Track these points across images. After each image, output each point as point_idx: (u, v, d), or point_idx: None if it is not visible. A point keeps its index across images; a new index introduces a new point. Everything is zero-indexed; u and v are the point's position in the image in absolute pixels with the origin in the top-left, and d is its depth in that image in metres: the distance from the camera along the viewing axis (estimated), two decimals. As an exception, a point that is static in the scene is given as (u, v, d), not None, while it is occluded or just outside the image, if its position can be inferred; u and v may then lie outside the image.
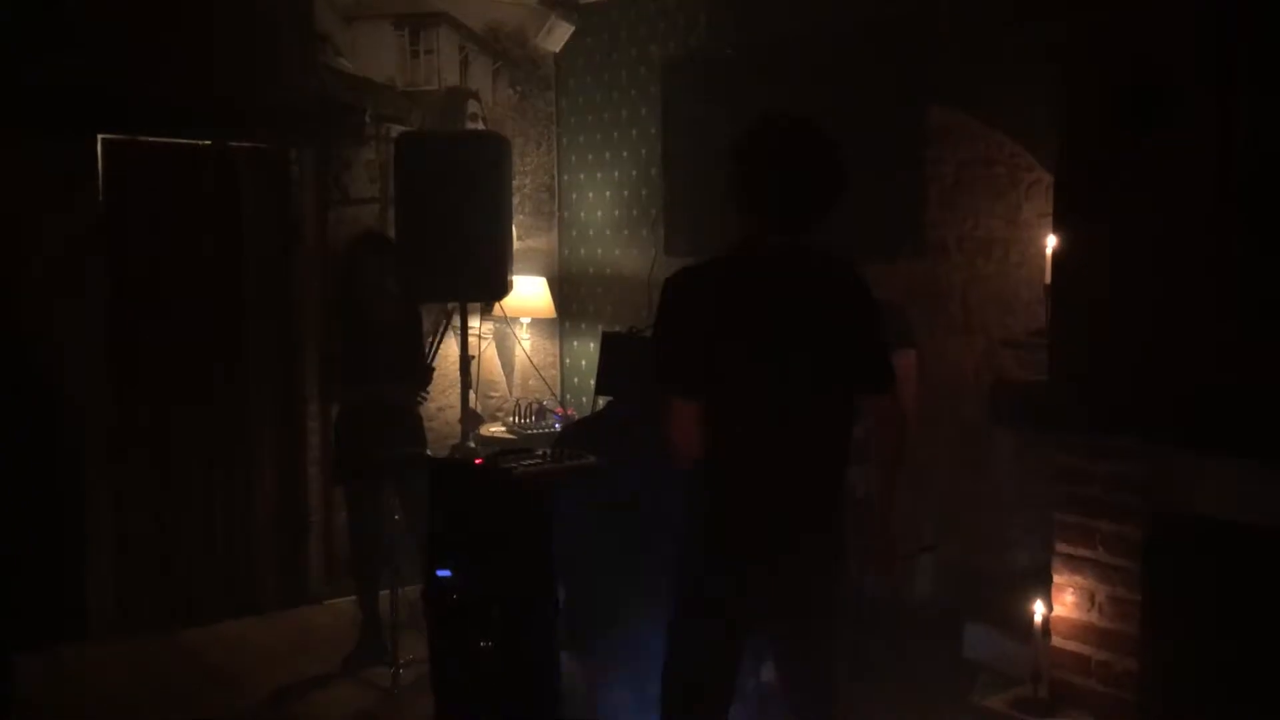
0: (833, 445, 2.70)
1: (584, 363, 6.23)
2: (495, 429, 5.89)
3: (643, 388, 4.31)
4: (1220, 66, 3.00)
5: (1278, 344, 2.94)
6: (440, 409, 5.78)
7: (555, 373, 6.40)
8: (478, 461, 3.53)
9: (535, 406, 5.90)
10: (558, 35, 6.08)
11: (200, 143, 5.22)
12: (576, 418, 5.75)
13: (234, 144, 5.30)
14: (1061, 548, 3.61)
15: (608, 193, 6.06)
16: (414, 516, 4.43)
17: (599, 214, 6.12)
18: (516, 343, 6.22)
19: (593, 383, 5.08)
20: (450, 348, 5.70)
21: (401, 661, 4.42)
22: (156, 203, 5.16)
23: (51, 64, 4.67)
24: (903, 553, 4.33)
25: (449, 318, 5.47)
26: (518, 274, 5.53)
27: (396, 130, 5.54)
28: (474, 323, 5.82)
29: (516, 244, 5.78)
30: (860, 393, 2.72)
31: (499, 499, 3.31)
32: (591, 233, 6.18)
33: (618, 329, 5.17)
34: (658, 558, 3.72)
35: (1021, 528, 4.04)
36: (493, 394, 6.27)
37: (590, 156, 6.16)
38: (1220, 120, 3.00)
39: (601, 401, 4.74)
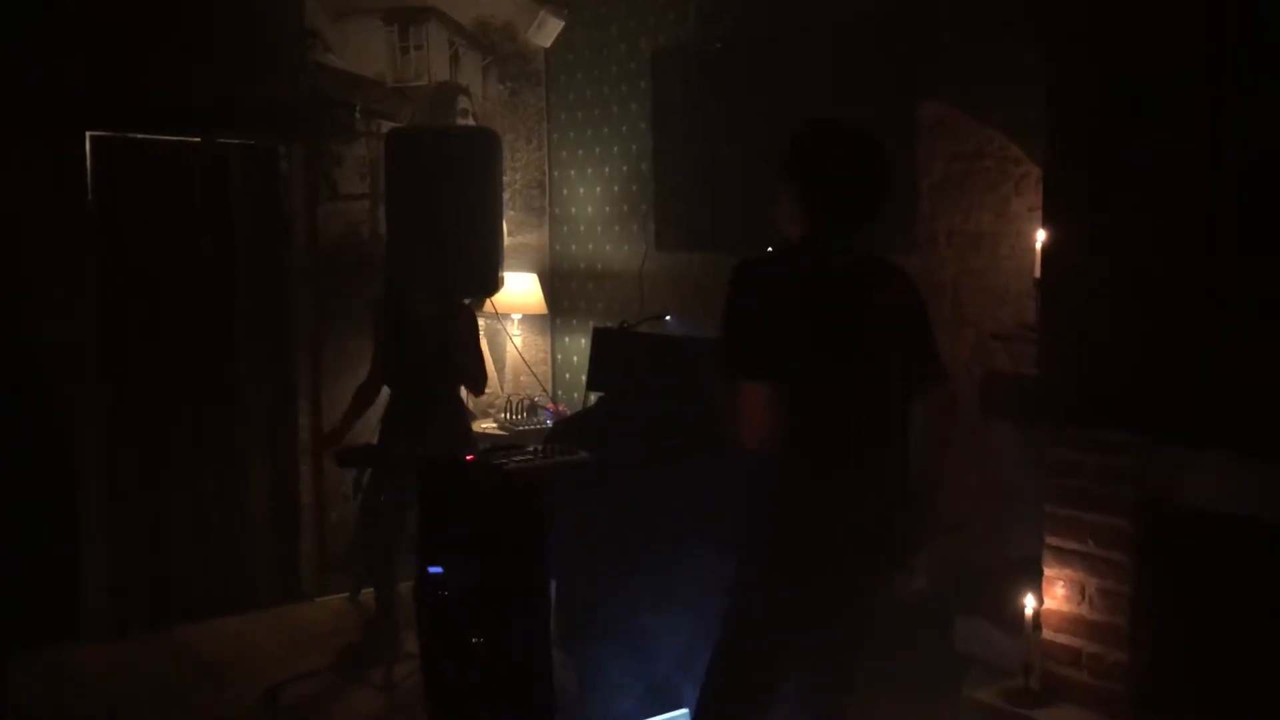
0: (897, 440, 2.77)
1: (575, 359, 6.22)
2: (487, 425, 5.89)
3: (634, 383, 4.33)
4: (1210, 60, 3.01)
5: (1266, 337, 2.95)
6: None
7: (546, 369, 6.40)
8: (469, 458, 3.52)
9: (527, 403, 5.90)
10: (548, 30, 6.07)
11: (190, 140, 5.21)
12: (568, 414, 5.75)
13: (224, 141, 5.29)
14: (1052, 541, 3.61)
15: (598, 188, 6.06)
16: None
17: (590, 209, 6.12)
18: (508, 339, 6.22)
19: (584, 379, 5.08)
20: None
21: (395, 658, 4.42)
22: (146, 200, 5.14)
23: (40, 62, 4.65)
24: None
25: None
26: (509, 270, 5.53)
27: (387, 126, 5.53)
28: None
29: (507, 240, 5.78)
30: (921, 386, 2.80)
31: (490, 495, 3.31)
32: (582, 228, 6.17)
33: (609, 324, 5.17)
34: (652, 553, 3.74)
35: (1015, 520, 4.05)
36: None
37: (581, 152, 6.16)
38: (1210, 114, 3.01)
39: (593, 397, 4.74)
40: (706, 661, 2.83)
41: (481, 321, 6.12)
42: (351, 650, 4.66)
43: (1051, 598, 3.62)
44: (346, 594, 5.45)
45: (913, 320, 2.83)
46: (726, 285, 2.70)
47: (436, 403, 4.73)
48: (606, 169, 6.00)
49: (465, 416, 4.91)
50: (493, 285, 4.98)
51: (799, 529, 2.68)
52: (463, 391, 4.96)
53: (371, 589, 4.70)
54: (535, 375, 6.25)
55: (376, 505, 4.68)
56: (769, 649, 2.76)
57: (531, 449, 3.50)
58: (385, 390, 4.87)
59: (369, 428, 4.92)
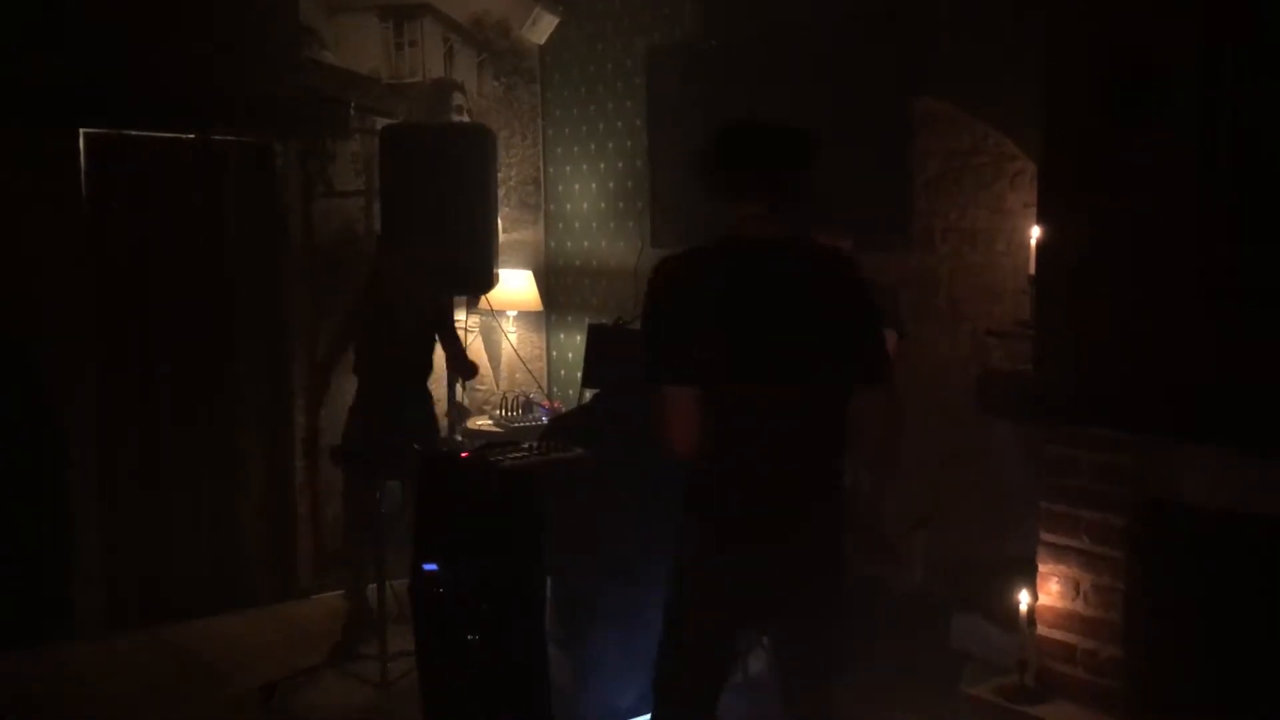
0: (828, 435, 2.67)
1: (571, 355, 6.22)
2: (482, 422, 5.89)
3: (630, 379, 4.32)
4: (1206, 57, 3.01)
5: (1261, 333, 2.95)
6: (427, 402, 5.78)
7: (542, 366, 6.40)
8: (464, 455, 3.52)
9: (522, 399, 5.89)
10: (542, 26, 6.06)
11: (184, 137, 5.20)
12: (563, 410, 5.75)
13: (218, 137, 5.28)
14: (1047, 537, 3.62)
15: (594, 185, 6.05)
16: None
17: (585, 206, 6.11)
18: (503, 336, 6.21)
19: (579, 375, 5.08)
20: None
21: (391, 655, 4.42)
22: (141, 197, 5.13)
23: (35, 59, 4.64)
24: (895, 534, 4.36)
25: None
26: (504, 267, 5.53)
27: (381, 123, 5.52)
28: (460, 316, 5.81)
29: (502, 236, 5.78)
30: (852, 383, 2.67)
31: (485, 492, 3.31)
32: (578, 225, 6.17)
33: (604, 321, 5.16)
34: (647, 549, 3.74)
35: (1012, 516, 4.06)
36: (479, 387, 6.26)
37: (576, 148, 6.15)
38: (1205, 110, 3.01)
39: (588, 394, 4.74)
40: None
41: (477, 318, 6.14)
42: (337, 648, 4.66)
43: (1047, 594, 3.62)
44: (343, 591, 5.44)
45: (850, 314, 2.67)
46: (647, 282, 2.64)
47: (406, 394, 4.73)
48: (602, 166, 6.00)
49: (432, 405, 4.92)
50: (488, 282, 4.98)
51: (713, 537, 2.65)
52: (458, 387, 4.96)
53: (372, 585, 4.69)
54: (530, 372, 6.25)
55: (361, 502, 4.70)
56: (699, 645, 2.75)
57: (527, 446, 3.50)
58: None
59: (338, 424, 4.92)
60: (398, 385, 4.74)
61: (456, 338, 4.93)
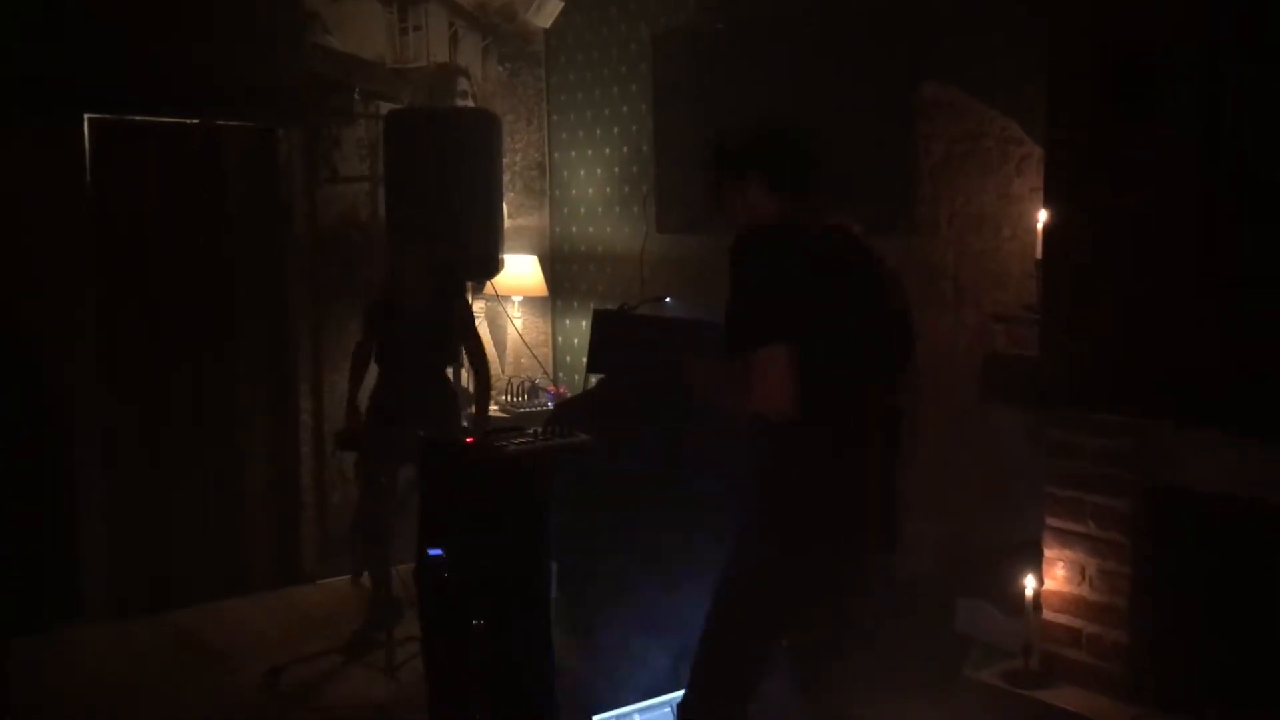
0: (895, 414, 2.81)
1: (576, 341, 6.22)
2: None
3: (635, 365, 4.32)
4: (1207, 42, 3.00)
5: (1263, 318, 2.95)
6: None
7: (547, 351, 6.40)
8: (469, 440, 3.52)
9: (527, 385, 5.90)
10: (548, 11, 6.04)
11: (188, 122, 5.19)
12: (569, 396, 5.75)
13: (222, 123, 5.27)
14: (1052, 522, 3.62)
15: (599, 170, 6.04)
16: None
17: (590, 191, 6.10)
18: (508, 321, 6.21)
19: (585, 361, 5.08)
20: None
21: (396, 641, 4.43)
22: (145, 183, 5.13)
23: (39, 45, 4.64)
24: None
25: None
26: (509, 252, 5.53)
27: (386, 108, 5.52)
28: (466, 301, 5.81)
29: (507, 222, 5.77)
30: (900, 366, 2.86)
31: (490, 478, 3.31)
32: (583, 210, 6.16)
33: (610, 307, 5.16)
34: (651, 534, 3.74)
35: (1016, 502, 4.05)
36: (485, 373, 6.26)
37: (581, 133, 6.14)
38: (1208, 96, 3.00)
39: (593, 379, 4.73)
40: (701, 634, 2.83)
41: (482, 304, 6.13)
42: (356, 637, 4.65)
43: (1052, 579, 3.62)
44: (348, 576, 5.46)
45: (899, 295, 2.89)
46: (731, 258, 2.70)
47: (428, 385, 4.73)
48: (607, 151, 5.99)
49: (457, 399, 4.91)
50: (493, 267, 4.97)
51: (817, 500, 2.68)
52: (465, 376, 4.96)
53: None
54: (536, 357, 6.25)
55: (374, 488, 4.69)
56: (773, 618, 2.76)
57: (532, 431, 3.50)
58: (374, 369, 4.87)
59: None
60: (417, 375, 4.72)
61: (478, 341, 4.92)
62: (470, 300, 4.98)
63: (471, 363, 4.93)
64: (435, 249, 4.72)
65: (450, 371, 4.88)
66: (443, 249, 4.72)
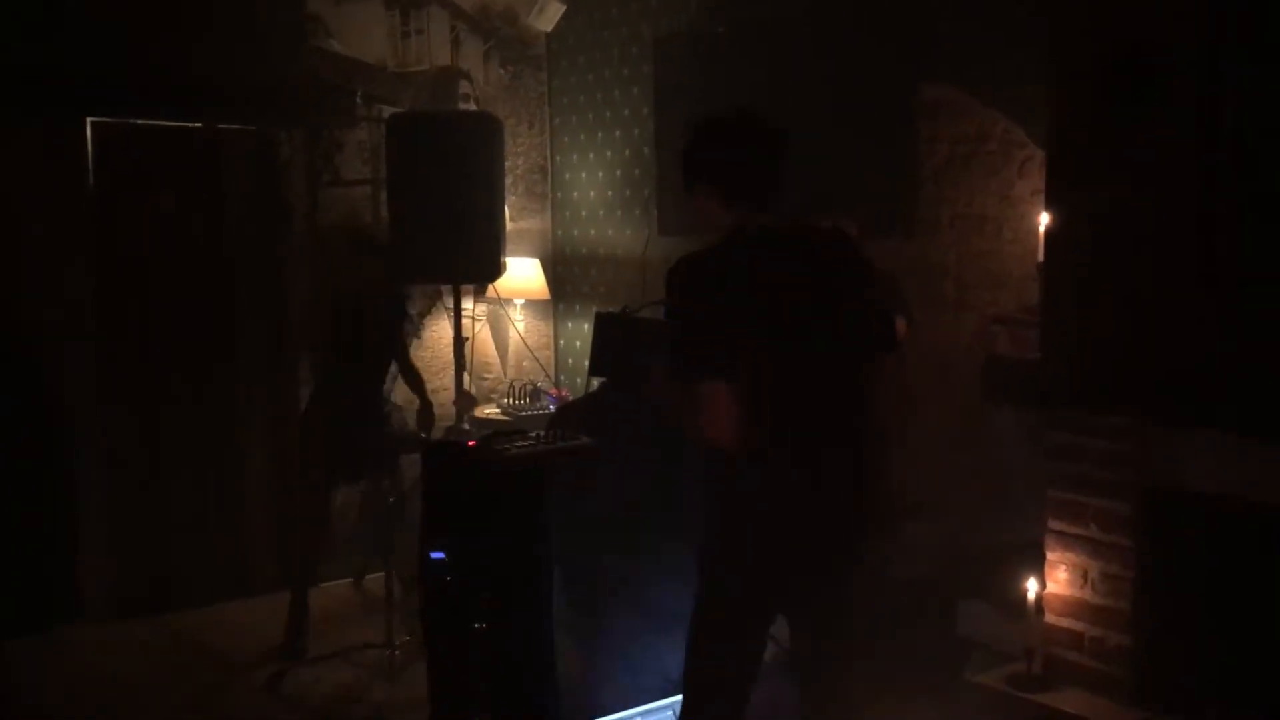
0: (854, 415, 2.76)
1: (578, 343, 6.22)
2: (490, 411, 5.89)
3: (637, 368, 4.32)
4: (1207, 41, 2.99)
5: (1265, 318, 2.94)
6: (434, 391, 5.77)
7: (549, 354, 6.40)
8: (471, 443, 3.52)
9: (529, 388, 5.90)
10: (549, 14, 6.04)
11: (190, 125, 5.20)
12: (571, 399, 5.75)
13: (224, 126, 5.28)
14: (1054, 524, 3.61)
15: (600, 173, 6.04)
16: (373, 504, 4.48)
17: (592, 194, 6.10)
18: (510, 324, 6.21)
19: (587, 364, 5.08)
20: (444, 330, 5.68)
21: (396, 643, 4.43)
22: (146, 185, 5.14)
23: (41, 48, 4.64)
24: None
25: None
26: (511, 255, 5.52)
27: (388, 111, 5.52)
28: (467, 304, 5.81)
29: (509, 225, 5.77)
30: (870, 354, 2.81)
31: (492, 481, 3.31)
32: (585, 213, 6.16)
33: (612, 310, 5.16)
34: (653, 537, 3.74)
35: (1018, 504, 4.05)
36: (487, 376, 6.27)
37: (583, 136, 6.14)
38: (1208, 95, 3.00)
39: (596, 382, 4.73)
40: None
41: (484, 307, 6.13)
42: (282, 647, 4.66)
43: (1054, 582, 3.61)
44: (349, 580, 5.46)
45: (860, 287, 2.78)
46: (666, 286, 2.69)
47: (365, 407, 4.77)
48: (609, 154, 5.99)
49: (380, 409, 4.95)
50: (495, 271, 4.97)
51: (756, 521, 2.67)
52: (465, 375, 4.98)
53: (378, 573, 4.70)
54: (538, 360, 6.25)
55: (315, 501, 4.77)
56: (731, 630, 2.76)
57: (534, 435, 3.50)
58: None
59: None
60: (348, 389, 4.76)
61: (401, 349, 4.96)
62: (403, 310, 5.01)
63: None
64: (375, 253, 4.77)
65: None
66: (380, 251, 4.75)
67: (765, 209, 2.72)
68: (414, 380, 4.98)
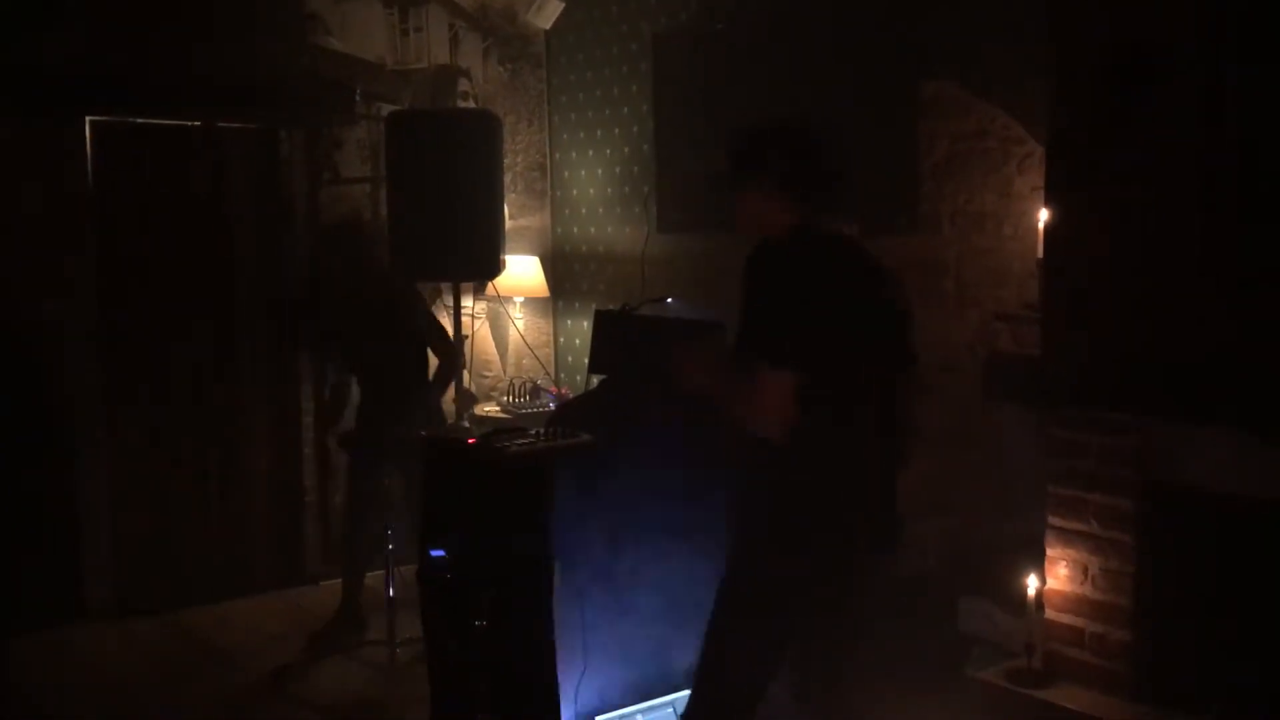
0: (897, 420, 2.83)
1: (578, 341, 6.22)
2: (489, 409, 5.89)
3: (637, 365, 4.32)
4: (1208, 40, 2.99)
5: (1266, 316, 2.94)
6: (434, 389, 5.78)
7: (549, 351, 6.40)
8: (471, 441, 3.52)
9: (529, 386, 5.89)
10: (548, 11, 6.04)
11: (189, 123, 5.20)
12: (571, 396, 5.75)
13: (223, 124, 5.28)
14: (1055, 521, 3.62)
15: (600, 170, 6.04)
16: (412, 496, 4.44)
17: (591, 191, 6.10)
18: (510, 322, 6.21)
19: (586, 361, 5.07)
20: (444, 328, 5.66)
21: (398, 641, 4.43)
22: (146, 184, 5.14)
23: (40, 45, 4.64)
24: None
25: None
26: (510, 253, 5.52)
27: (387, 109, 5.52)
28: (467, 302, 5.81)
29: (509, 223, 5.77)
30: (913, 355, 2.89)
31: (492, 478, 3.31)
32: (584, 210, 6.16)
33: (611, 307, 5.15)
34: (654, 534, 3.74)
35: (1019, 500, 4.05)
36: (486, 374, 6.27)
37: (582, 134, 6.14)
38: (1209, 89, 3.00)
39: (595, 380, 4.73)
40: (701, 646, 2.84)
41: (484, 305, 6.13)
42: (316, 637, 4.66)
43: (1054, 578, 3.62)
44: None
45: (905, 302, 2.89)
46: (748, 269, 2.70)
47: (410, 394, 4.72)
48: (608, 151, 5.99)
49: (438, 405, 4.90)
50: (494, 268, 4.97)
51: (817, 505, 2.70)
52: (465, 373, 4.96)
53: (378, 572, 4.70)
54: (538, 358, 6.24)
55: (365, 491, 4.70)
56: (777, 623, 2.77)
57: (534, 432, 3.50)
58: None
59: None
60: (397, 387, 4.74)
61: (440, 330, 4.89)
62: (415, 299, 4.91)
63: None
64: (367, 249, 4.77)
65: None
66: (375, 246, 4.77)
67: (826, 211, 2.79)
68: (453, 360, 4.91)
